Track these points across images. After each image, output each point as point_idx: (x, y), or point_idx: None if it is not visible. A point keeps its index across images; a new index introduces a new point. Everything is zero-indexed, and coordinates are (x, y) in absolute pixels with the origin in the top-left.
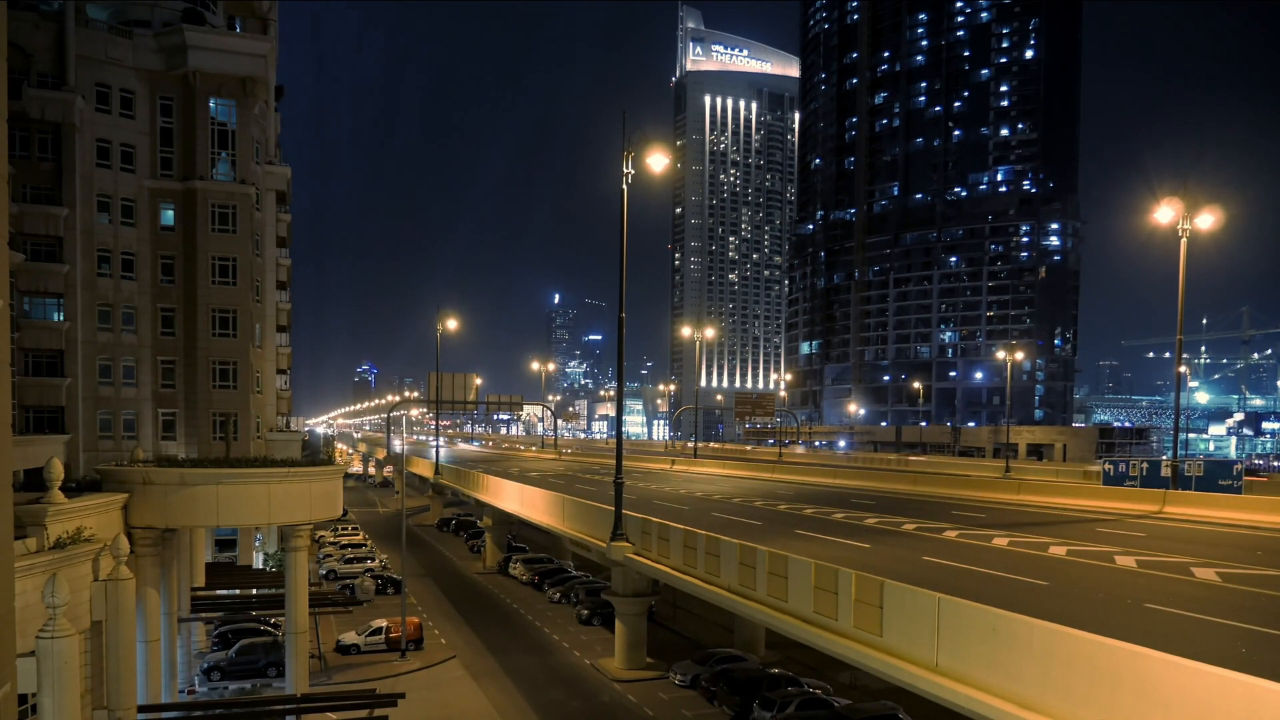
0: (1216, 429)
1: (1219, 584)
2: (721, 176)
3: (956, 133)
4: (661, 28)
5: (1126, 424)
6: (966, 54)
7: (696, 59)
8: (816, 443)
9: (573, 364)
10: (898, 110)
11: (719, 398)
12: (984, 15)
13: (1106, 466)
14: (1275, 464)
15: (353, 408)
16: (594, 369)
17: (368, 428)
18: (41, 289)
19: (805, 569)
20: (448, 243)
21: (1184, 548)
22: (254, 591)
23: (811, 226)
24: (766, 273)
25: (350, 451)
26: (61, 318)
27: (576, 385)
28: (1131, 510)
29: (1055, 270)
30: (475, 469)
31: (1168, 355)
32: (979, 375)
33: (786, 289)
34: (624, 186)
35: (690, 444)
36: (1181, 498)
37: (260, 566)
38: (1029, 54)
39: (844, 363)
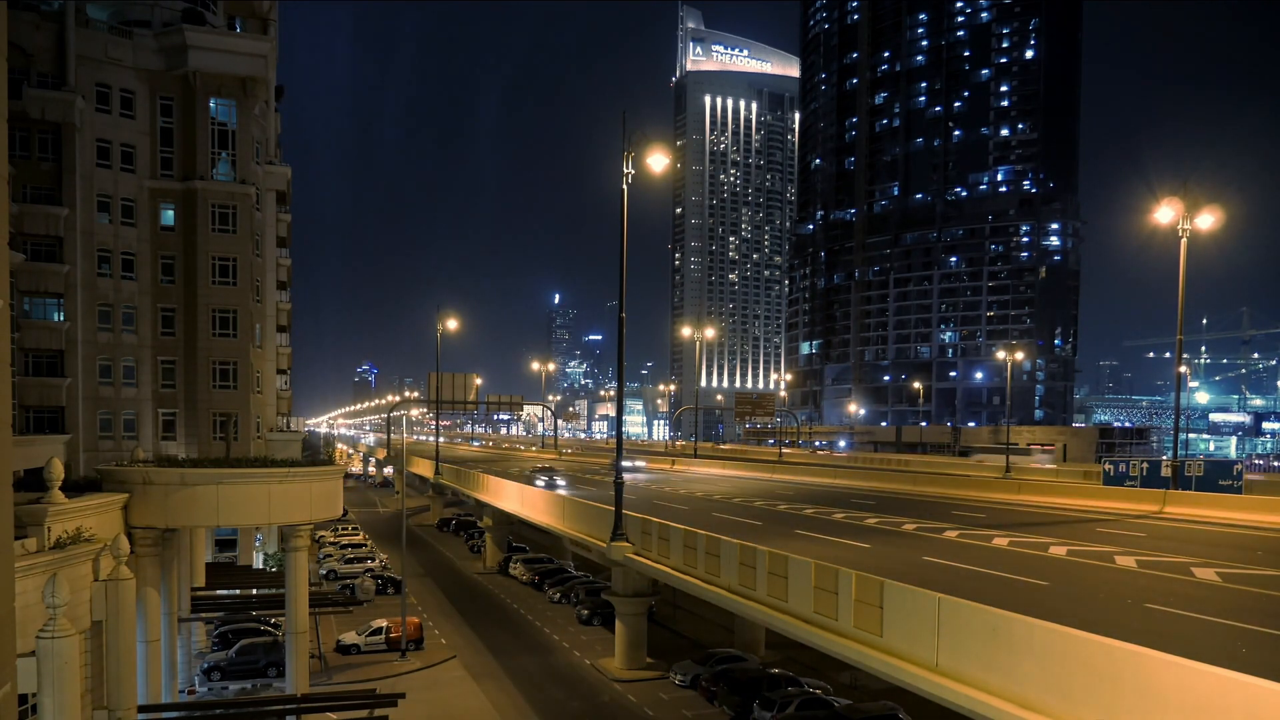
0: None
1: (1219, 584)
2: (721, 176)
3: (956, 133)
4: (661, 28)
5: (1127, 424)
6: (966, 54)
7: (696, 59)
8: (817, 443)
9: (573, 364)
10: (898, 110)
11: (719, 398)
12: (984, 15)
13: (1107, 466)
14: (1276, 464)
15: (353, 408)
16: (594, 369)
17: (368, 428)
18: (41, 289)
19: (805, 569)
20: (448, 242)
21: (1184, 548)
22: (254, 591)
23: (811, 226)
24: (766, 273)
25: (350, 452)
26: (61, 318)
27: (576, 385)
28: (1132, 510)
29: (1055, 270)
30: (475, 469)
31: (1168, 355)
32: (979, 375)
33: (786, 289)
34: (624, 186)
35: (690, 444)
36: (1182, 498)
37: (260, 566)
38: (1029, 54)
39: (844, 363)
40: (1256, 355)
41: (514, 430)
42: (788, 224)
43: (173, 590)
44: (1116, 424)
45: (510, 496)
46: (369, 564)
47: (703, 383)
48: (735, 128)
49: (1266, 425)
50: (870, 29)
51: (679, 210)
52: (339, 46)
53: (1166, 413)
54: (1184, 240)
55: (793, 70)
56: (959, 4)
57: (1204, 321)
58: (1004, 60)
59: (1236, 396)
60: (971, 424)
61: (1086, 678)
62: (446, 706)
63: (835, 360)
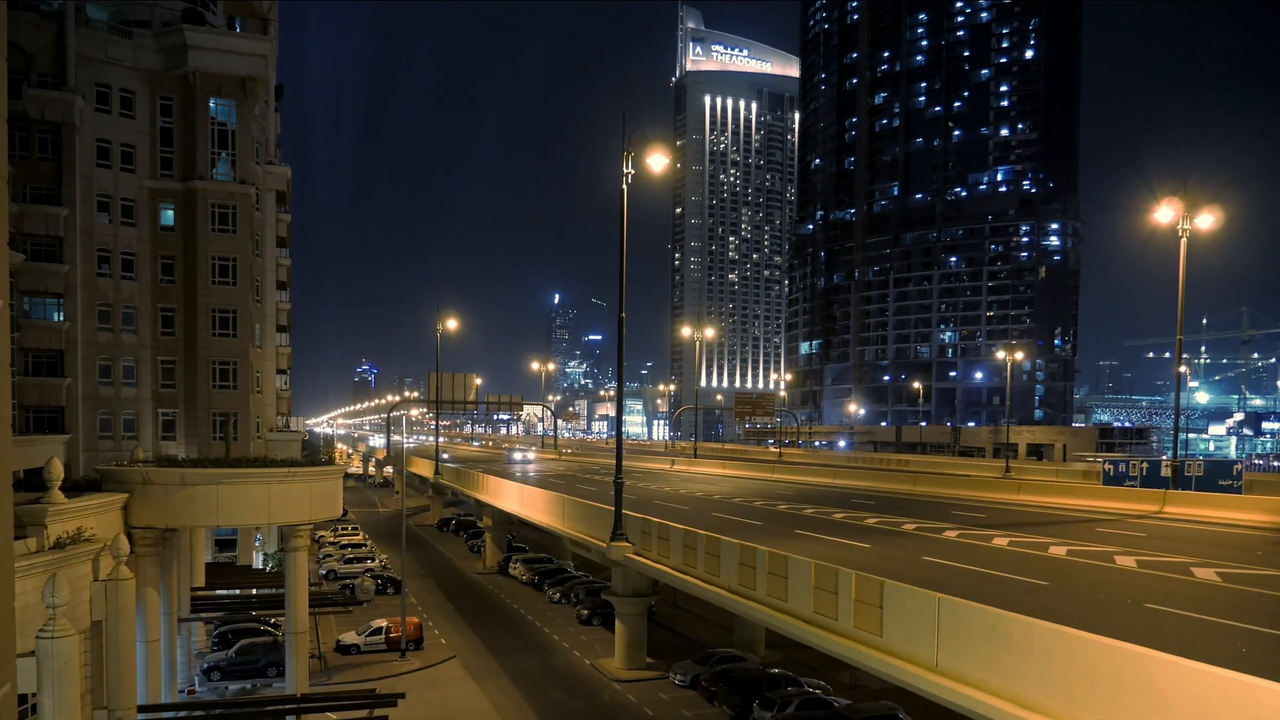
0: (1216, 429)
1: (1219, 584)
2: (721, 176)
3: (956, 133)
4: (661, 28)
5: (1126, 424)
6: (966, 54)
7: (696, 59)
8: (816, 443)
9: (573, 364)
10: (898, 110)
11: (719, 398)
12: (984, 15)
13: (1106, 466)
14: (1275, 464)
15: (353, 408)
16: (594, 369)
17: (367, 427)
18: (41, 289)
19: (805, 569)
20: (448, 242)
21: (1184, 548)
22: (254, 591)
23: (811, 226)
24: (766, 273)
25: (350, 452)
26: (61, 318)
27: (576, 385)
28: (1131, 510)
29: (1055, 270)
30: (475, 469)
31: (1168, 355)
32: (979, 375)
33: (786, 289)
34: (624, 186)
35: (690, 444)
36: (1181, 498)
37: (260, 566)
38: (1029, 54)
39: (844, 363)
40: (1256, 355)
41: (514, 430)
42: (788, 224)
43: (173, 590)
44: (1116, 424)
45: (510, 496)
46: (369, 564)
47: (703, 383)
48: (735, 128)
49: (1266, 425)
50: (870, 29)
51: (679, 210)
52: (340, 46)
53: (1166, 412)
54: (1184, 240)
55: (793, 70)
56: (959, 4)
57: (1204, 321)
58: (1004, 60)
59: (1236, 396)
60: (971, 424)
61: (1087, 677)
62: (446, 706)
63: (835, 360)
